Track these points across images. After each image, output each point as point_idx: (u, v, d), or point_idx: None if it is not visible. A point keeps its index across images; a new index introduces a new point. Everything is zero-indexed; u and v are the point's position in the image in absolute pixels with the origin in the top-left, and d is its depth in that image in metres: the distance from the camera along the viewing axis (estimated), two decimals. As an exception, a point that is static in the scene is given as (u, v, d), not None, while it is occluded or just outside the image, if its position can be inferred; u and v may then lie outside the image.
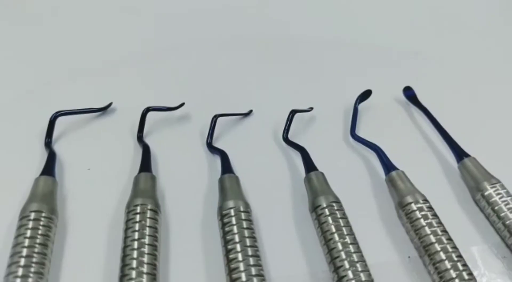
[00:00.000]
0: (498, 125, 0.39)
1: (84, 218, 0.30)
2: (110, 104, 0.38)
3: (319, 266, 0.28)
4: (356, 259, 0.26)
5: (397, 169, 0.32)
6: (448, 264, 0.26)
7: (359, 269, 0.26)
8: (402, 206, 0.30)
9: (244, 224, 0.28)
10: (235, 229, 0.27)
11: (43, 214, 0.27)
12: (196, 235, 0.29)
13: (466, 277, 0.26)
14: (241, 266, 0.25)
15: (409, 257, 0.29)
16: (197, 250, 0.28)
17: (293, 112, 0.37)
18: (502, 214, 0.30)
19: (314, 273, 0.28)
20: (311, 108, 0.39)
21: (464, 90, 0.43)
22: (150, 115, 0.37)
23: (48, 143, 0.33)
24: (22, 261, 0.24)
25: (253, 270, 0.25)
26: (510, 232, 0.29)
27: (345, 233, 0.27)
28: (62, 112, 0.34)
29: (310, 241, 0.29)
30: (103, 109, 0.37)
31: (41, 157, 0.33)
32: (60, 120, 0.35)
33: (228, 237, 0.27)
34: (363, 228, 0.29)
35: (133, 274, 0.24)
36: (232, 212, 0.28)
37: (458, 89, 0.43)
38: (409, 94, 0.41)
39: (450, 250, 0.27)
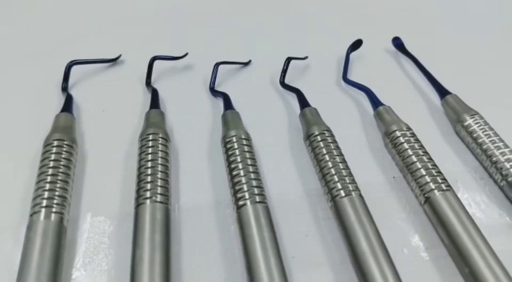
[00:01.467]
0: (478, 67, 0.42)
1: (101, 149, 0.33)
2: (119, 56, 0.41)
3: (313, 185, 0.31)
4: (344, 174, 0.29)
5: (385, 105, 0.36)
6: (428, 178, 0.29)
7: (347, 181, 0.29)
8: (388, 134, 0.33)
9: (246, 149, 0.31)
10: (237, 153, 0.30)
11: (65, 142, 0.30)
12: (203, 162, 0.33)
13: (444, 187, 0.29)
14: (245, 187, 0.28)
15: (394, 177, 0.32)
16: (204, 174, 0.32)
17: (289, 59, 0.39)
18: (480, 140, 0.33)
19: (308, 190, 0.31)
20: (306, 57, 0.42)
21: (447, 40, 0.46)
22: (157, 65, 0.40)
23: (65, 88, 0.36)
24: (47, 185, 0.27)
25: (256, 190, 0.28)
26: (487, 155, 0.32)
27: (335, 154, 0.31)
28: (76, 62, 0.37)
29: (304, 166, 0.32)
30: (114, 60, 0.41)
31: (59, 101, 0.36)
32: (74, 71, 0.38)
33: (232, 160, 0.30)
34: (352, 154, 0.32)
35: (148, 186, 0.28)
36: (234, 139, 0.31)
37: (442, 40, 0.46)
38: (397, 43, 0.44)
39: (430, 167, 0.30)
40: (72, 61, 0.37)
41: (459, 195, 0.29)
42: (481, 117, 0.34)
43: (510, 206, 0.30)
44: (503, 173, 0.30)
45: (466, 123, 0.34)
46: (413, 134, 0.33)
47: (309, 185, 0.31)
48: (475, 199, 0.31)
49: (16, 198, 0.29)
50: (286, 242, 0.27)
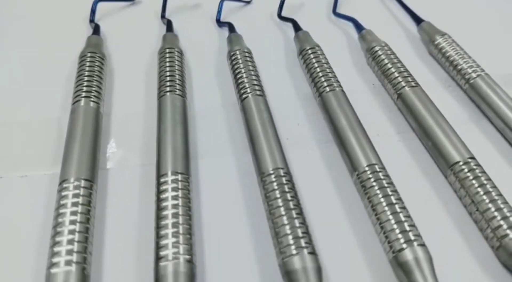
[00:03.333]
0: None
1: (125, 63, 0.39)
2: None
3: (304, 90, 0.37)
4: (330, 76, 0.35)
5: (368, 29, 0.41)
6: (400, 79, 0.35)
7: (332, 80, 0.35)
8: (369, 50, 0.39)
9: (248, 59, 0.37)
10: (240, 62, 0.36)
11: (97, 54, 0.36)
12: (211, 75, 0.38)
13: (413, 84, 0.34)
14: (247, 85, 0.34)
15: (373, 84, 0.38)
16: (212, 82, 0.38)
17: (285, -5, 0.45)
18: (448, 54, 0.38)
19: (300, 94, 0.37)
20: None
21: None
22: (170, 3, 0.45)
23: (92, 20, 0.42)
24: (85, 81, 0.33)
25: (256, 87, 0.34)
26: (453, 65, 0.38)
27: (323, 62, 0.36)
28: (101, -1, 0.44)
29: (297, 76, 0.38)
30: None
31: (88, 32, 0.42)
32: (100, 8, 0.44)
33: (236, 67, 0.36)
34: (338, 67, 0.37)
35: (168, 83, 0.33)
36: (238, 53, 0.37)
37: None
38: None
39: (403, 70, 0.36)
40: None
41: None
42: (450, 37, 0.40)
43: (472, 104, 0.36)
44: (466, 77, 0.36)
45: (437, 42, 0.40)
46: (390, 50, 0.38)
47: (302, 90, 0.37)
48: (442, 98, 0.36)
49: (59, 92, 0.36)
50: (281, 129, 0.33)
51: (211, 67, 0.39)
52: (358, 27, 0.42)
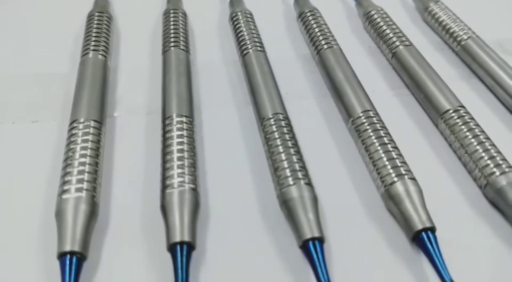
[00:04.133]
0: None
1: (131, 25, 0.41)
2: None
3: (303, 51, 0.38)
4: (328, 35, 0.37)
5: (364, -3, 0.43)
6: (394, 39, 0.37)
7: (330, 39, 0.36)
8: (365, 14, 0.40)
9: (249, 20, 0.38)
10: (242, 23, 0.38)
11: (105, 14, 0.38)
12: (213, 35, 0.40)
13: (408, 43, 0.36)
14: (248, 42, 0.36)
15: (369, 46, 0.39)
16: (214, 40, 0.39)
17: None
18: (441, 19, 0.40)
19: (299, 55, 0.38)
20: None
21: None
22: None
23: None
24: (93, 35, 0.35)
25: (257, 43, 0.36)
26: (445, 29, 0.39)
27: (321, 23, 0.38)
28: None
29: (297, 38, 0.40)
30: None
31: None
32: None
33: (238, 27, 0.38)
34: (336, 31, 0.38)
35: (172, 39, 0.35)
36: (239, 14, 0.39)
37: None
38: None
39: (400, 35, 0.37)
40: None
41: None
42: (443, 3, 0.41)
43: (463, 65, 0.38)
44: (458, 39, 0.38)
45: (430, 9, 0.41)
46: (386, 13, 0.40)
47: (301, 52, 0.39)
48: (435, 59, 0.37)
49: (68, 48, 0.37)
50: (280, 85, 0.34)
51: (214, 29, 0.41)
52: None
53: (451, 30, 0.38)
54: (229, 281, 0.23)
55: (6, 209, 0.26)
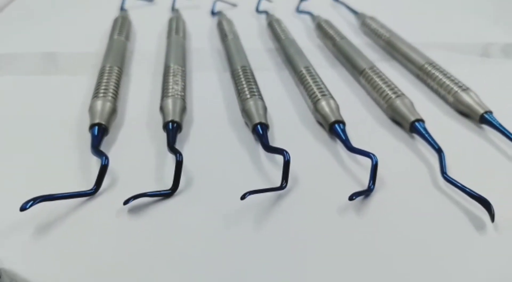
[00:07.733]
0: None
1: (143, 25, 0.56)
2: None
3: (271, 47, 0.52)
4: (289, 36, 0.51)
5: None
6: (336, 38, 0.50)
7: (289, 37, 0.50)
8: (318, 26, 0.55)
9: (232, 27, 0.52)
10: (226, 28, 0.52)
11: (126, 20, 0.52)
12: (205, 34, 0.54)
13: (343, 37, 0.50)
14: (229, 37, 0.50)
15: (318, 45, 0.53)
16: (206, 42, 0.53)
17: None
18: (372, 27, 0.54)
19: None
20: None
21: None
22: None
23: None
24: (117, 32, 0.49)
25: (235, 37, 0.49)
26: (374, 33, 0.53)
27: (286, 30, 0.52)
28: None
29: (266, 41, 0.54)
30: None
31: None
32: None
33: (223, 32, 0.52)
34: (298, 39, 0.53)
35: (173, 33, 0.49)
36: (224, 23, 0.53)
37: None
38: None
39: (340, 33, 0.51)
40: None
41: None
42: (376, 19, 0.56)
43: (385, 54, 0.51)
44: (383, 38, 0.51)
45: (367, 22, 0.56)
46: (332, 24, 0.54)
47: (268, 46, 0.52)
48: (365, 51, 0.51)
49: (101, 34, 0.52)
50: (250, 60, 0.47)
51: (205, 30, 0.56)
52: (313, 17, 0.58)
53: (378, 33, 0.52)
54: (203, 153, 0.34)
55: (56, 116, 0.38)
